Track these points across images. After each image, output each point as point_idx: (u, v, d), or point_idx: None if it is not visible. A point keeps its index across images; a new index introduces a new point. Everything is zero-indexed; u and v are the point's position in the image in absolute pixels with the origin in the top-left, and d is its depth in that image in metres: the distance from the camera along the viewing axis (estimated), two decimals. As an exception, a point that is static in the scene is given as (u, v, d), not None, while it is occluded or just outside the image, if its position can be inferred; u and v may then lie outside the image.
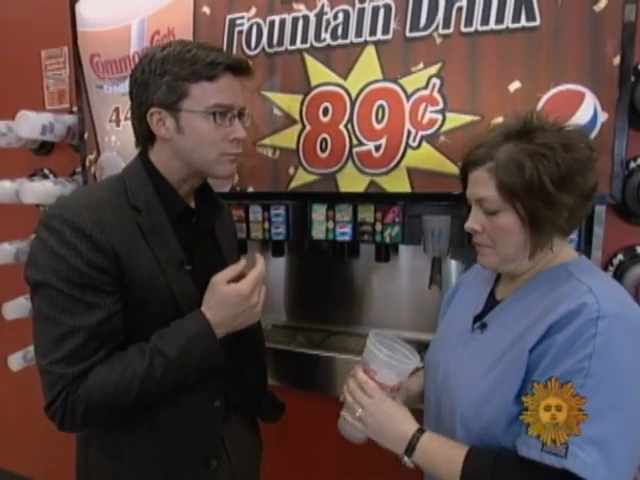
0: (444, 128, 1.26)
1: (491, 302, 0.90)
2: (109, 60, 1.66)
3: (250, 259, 0.93)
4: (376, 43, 1.30)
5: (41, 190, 1.71)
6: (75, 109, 1.81)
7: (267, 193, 1.50)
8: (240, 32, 1.44)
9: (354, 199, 1.41)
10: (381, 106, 1.31)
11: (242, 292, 0.86)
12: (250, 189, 1.52)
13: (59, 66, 1.90)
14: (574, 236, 1.21)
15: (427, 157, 1.29)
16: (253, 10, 1.41)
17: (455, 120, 1.25)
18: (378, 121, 1.32)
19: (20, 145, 1.87)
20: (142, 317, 0.87)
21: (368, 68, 1.31)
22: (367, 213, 1.41)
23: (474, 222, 0.83)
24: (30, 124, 1.67)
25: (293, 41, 1.37)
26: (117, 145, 1.68)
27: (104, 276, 0.81)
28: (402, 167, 1.31)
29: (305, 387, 1.55)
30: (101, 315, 0.81)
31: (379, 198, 1.37)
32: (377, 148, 1.33)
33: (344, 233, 1.45)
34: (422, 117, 1.28)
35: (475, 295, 0.95)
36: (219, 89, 0.89)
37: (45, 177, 1.96)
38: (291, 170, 1.45)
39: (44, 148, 1.95)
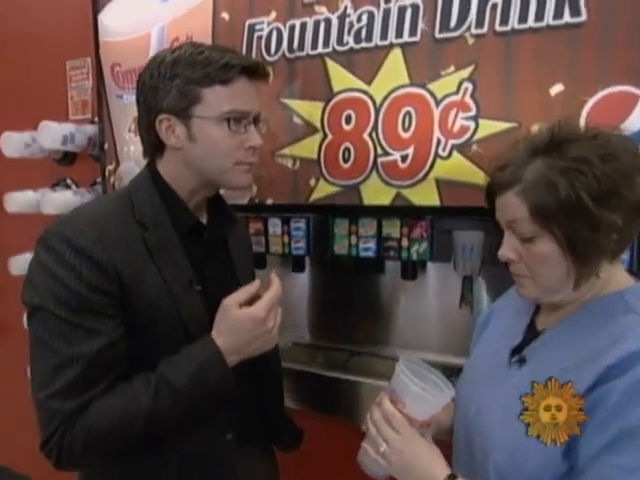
0: (477, 136, 1.16)
1: (531, 333, 0.79)
2: (129, 69, 1.63)
3: (265, 279, 0.86)
4: (402, 45, 1.21)
5: (61, 201, 1.69)
6: (96, 119, 1.79)
7: (287, 206, 1.43)
8: (260, 37, 1.38)
9: (379, 213, 1.32)
10: (408, 113, 1.22)
11: (256, 316, 0.80)
12: (269, 201, 1.45)
13: (83, 77, 1.90)
14: (625, 256, 1.08)
15: (458, 168, 1.19)
16: (273, 14, 1.35)
17: (489, 127, 1.14)
18: (405, 129, 1.23)
19: (44, 156, 1.87)
20: (148, 340, 0.82)
21: (394, 72, 1.22)
22: (393, 228, 1.32)
23: (508, 250, 0.73)
24: (51, 134, 1.66)
25: (314, 45, 1.30)
26: (135, 155, 1.65)
27: (105, 299, 0.76)
28: (431, 178, 1.22)
29: (326, 411, 1.46)
30: (102, 342, 0.75)
31: (405, 212, 1.28)
32: (404, 158, 1.24)
33: (368, 249, 1.35)
34: (453, 124, 1.17)
35: (512, 324, 0.85)
36: (234, 94, 0.83)
37: (67, 187, 1.95)
38: (312, 181, 1.37)
39: (67, 158, 1.95)
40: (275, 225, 1.49)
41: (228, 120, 0.83)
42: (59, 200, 1.69)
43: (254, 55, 1.39)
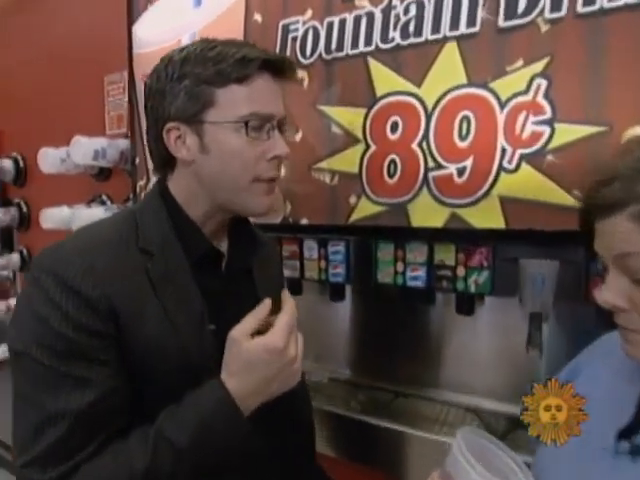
0: (552, 144, 0.94)
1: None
2: (160, 80, 1.54)
3: (276, 299, 0.71)
4: (459, 39, 1.02)
5: (91, 217, 1.62)
6: (129, 134, 1.72)
7: (324, 226, 1.27)
8: (294, 38, 1.23)
9: (430, 236, 1.12)
10: (466, 118, 1.02)
11: (274, 346, 0.65)
12: (304, 221, 1.30)
13: (119, 91, 1.85)
14: None
15: (528, 183, 0.97)
16: (309, 12, 1.20)
17: (568, 133, 0.93)
18: (462, 137, 1.03)
19: (79, 171, 1.83)
20: (150, 391, 0.68)
21: (448, 71, 1.03)
22: (446, 254, 1.11)
23: (615, 294, 0.52)
24: (83, 150, 1.60)
25: (355, 44, 1.14)
26: (166, 171, 1.56)
27: (97, 342, 0.63)
28: (493, 196, 1.01)
29: (365, 462, 1.26)
30: (93, 394, 0.62)
31: (462, 236, 1.08)
32: (460, 172, 1.04)
33: (416, 278, 1.16)
34: (521, 130, 0.97)
35: (615, 393, 0.63)
36: (253, 93, 0.69)
37: (102, 203, 1.90)
38: (352, 199, 1.20)
39: (102, 174, 1.90)
40: (311, 248, 1.33)
41: (246, 125, 0.69)
42: (89, 217, 1.62)
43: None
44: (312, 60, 1.21)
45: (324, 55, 1.19)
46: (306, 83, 1.22)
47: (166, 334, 0.68)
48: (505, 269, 1.07)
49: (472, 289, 1.09)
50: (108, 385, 0.64)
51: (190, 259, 0.73)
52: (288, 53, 1.25)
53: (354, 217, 1.20)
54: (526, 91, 0.96)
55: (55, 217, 1.76)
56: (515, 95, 0.97)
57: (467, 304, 1.15)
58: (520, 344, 1.16)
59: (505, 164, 1.00)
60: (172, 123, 0.71)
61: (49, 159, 1.74)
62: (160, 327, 0.68)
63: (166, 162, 0.75)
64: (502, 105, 0.99)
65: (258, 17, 1.30)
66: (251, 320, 0.66)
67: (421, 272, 1.15)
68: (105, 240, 0.70)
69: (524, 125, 0.97)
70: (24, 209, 2.33)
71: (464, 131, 1.03)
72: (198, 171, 0.73)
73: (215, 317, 0.73)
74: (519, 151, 0.98)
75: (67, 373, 0.62)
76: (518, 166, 0.98)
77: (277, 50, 1.26)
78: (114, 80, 1.87)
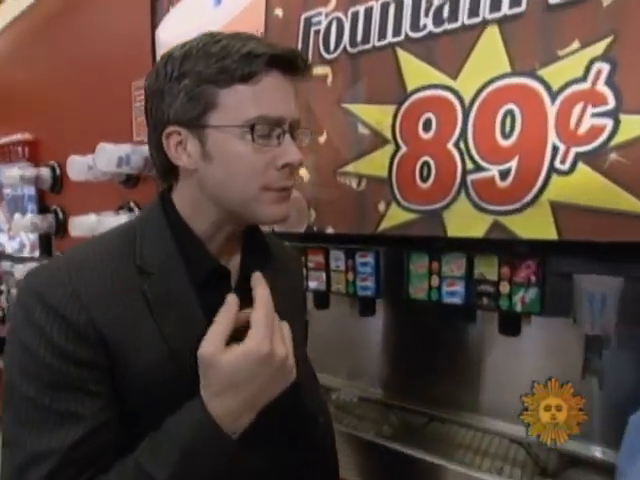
0: (616, 140, 0.80)
1: None
2: (182, 83, 1.49)
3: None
4: (500, 22, 0.89)
5: (114, 225, 1.58)
6: (154, 140, 1.68)
7: (350, 236, 1.16)
8: (317, 32, 1.14)
9: (469, 247, 1.00)
10: (509, 113, 0.89)
11: (258, 352, 0.57)
12: (329, 230, 1.19)
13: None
14: None
15: (585, 186, 0.83)
16: (332, 3, 1.10)
17: (636, 126, 0.78)
18: (505, 135, 0.90)
19: (107, 178, 1.81)
20: (147, 425, 0.60)
21: (489, 59, 0.90)
22: (488, 267, 0.98)
23: None
24: (107, 156, 1.57)
25: (382, 34, 1.03)
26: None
27: (85, 371, 0.57)
28: (543, 202, 0.87)
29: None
30: (81, 431, 0.56)
31: (507, 247, 0.94)
32: (504, 174, 0.91)
33: (454, 293, 1.03)
34: (577, 125, 0.83)
35: None
36: (261, 94, 0.61)
37: (130, 210, 1.87)
38: (381, 206, 1.08)
39: (130, 181, 1.87)
40: (338, 258, 1.23)
41: (252, 130, 0.61)
42: (115, 224, 1.57)
43: (311, 54, 1.15)
44: (336, 55, 1.11)
45: (349, 48, 1.09)
46: (330, 80, 1.12)
47: (163, 361, 0.61)
48: (557, 286, 0.93)
49: (518, 308, 0.95)
50: (99, 419, 0.57)
51: (193, 278, 0.66)
52: (310, 48, 1.15)
53: (383, 226, 1.09)
54: (583, 78, 0.81)
55: (83, 225, 1.75)
56: (569, 83, 0.83)
57: (512, 324, 1.01)
58: (574, 370, 1.01)
59: (557, 165, 0.86)
60: (172, 127, 0.63)
61: (76, 166, 1.72)
62: (156, 354, 0.61)
63: (168, 171, 0.68)
64: (553, 96, 0.85)
65: (279, 12, 1.21)
66: (219, 327, 0.57)
67: (459, 287, 1.03)
68: (98, 258, 0.63)
69: (581, 118, 0.82)
70: (60, 216, 2.35)
71: (508, 127, 0.90)
72: (201, 180, 0.65)
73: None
74: (574, 149, 0.84)
75: (53, 407, 0.56)
76: (573, 167, 0.84)
77: (299, 46, 1.17)
78: (141, 86, 1.84)
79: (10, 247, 2.73)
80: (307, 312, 1.46)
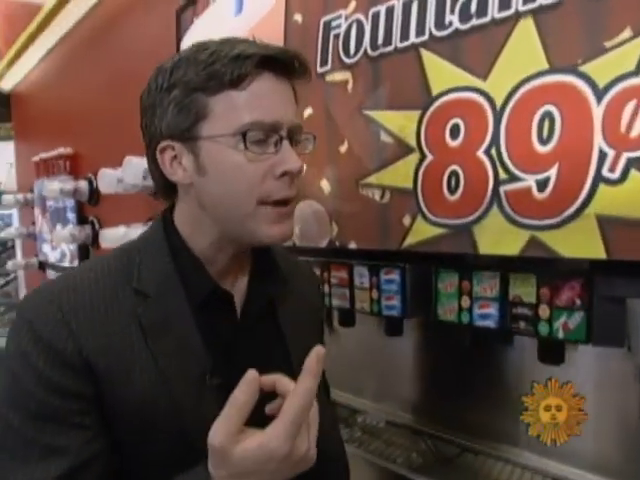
0: (676, 144, 0.69)
1: None
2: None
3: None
4: (535, 13, 0.79)
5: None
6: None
7: (374, 252, 1.09)
8: (336, 36, 1.07)
9: (503, 265, 0.90)
10: (548, 115, 0.79)
11: (277, 450, 0.48)
12: (352, 245, 1.12)
13: (174, 108, 1.81)
14: None
15: (639, 197, 0.72)
16: (352, 5, 1.03)
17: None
18: (543, 140, 0.80)
19: (137, 190, 1.81)
20: (137, 460, 0.58)
21: (523, 56, 0.81)
22: (525, 288, 0.88)
23: None
24: (134, 170, 1.57)
25: (405, 35, 0.95)
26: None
27: (72, 403, 0.54)
28: (588, 215, 0.76)
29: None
30: (64, 466, 0.53)
31: (545, 266, 0.84)
32: (542, 185, 0.81)
33: (486, 316, 0.93)
34: (629, 126, 0.72)
35: None
36: (253, 98, 0.57)
37: (159, 224, 1.87)
38: (406, 220, 1.00)
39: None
40: (362, 275, 1.15)
41: (244, 137, 0.56)
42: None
43: (330, 59, 1.09)
44: (356, 59, 1.04)
45: (370, 52, 1.01)
46: (350, 86, 1.06)
47: (156, 392, 0.57)
48: (607, 310, 0.81)
49: (560, 335, 0.84)
50: (84, 454, 0.54)
51: (192, 301, 0.61)
52: (330, 53, 1.09)
53: (408, 241, 1.01)
54: (636, 72, 0.70)
55: (112, 237, 1.76)
56: (619, 79, 0.72)
57: (554, 352, 0.89)
58: (629, 405, 0.89)
59: (605, 173, 0.75)
60: (165, 142, 0.60)
61: (106, 179, 1.74)
62: (149, 383, 0.57)
63: (167, 188, 0.65)
64: (600, 94, 0.74)
65: (298, 17, 1.16)
66: (233, 411, 0.48)
67: (492, 310, 0.92)
68: (92, 280, 0.61)
69: (633, 119, 0.71)
70: (97, 227, 2.41)
71: (546, 132, 0.79)
72: (198, 196, 0.61)
73: (225, 369, 0.60)
74: (626, 154, 0.73)
75: (37, 439, 0.54)
76: (624, 175, 0.73)
77: (319, 51, 1.11)
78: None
79: (53, 256, 2.83)
80: (328, 329, 1.39)
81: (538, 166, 0.81)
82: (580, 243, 0.78)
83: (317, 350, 0.50)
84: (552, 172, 0.79)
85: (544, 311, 0.86)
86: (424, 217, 0.97)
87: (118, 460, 0.57)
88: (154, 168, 0.64)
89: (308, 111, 1.16)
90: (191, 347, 0.60)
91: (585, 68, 0.75)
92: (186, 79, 0.57)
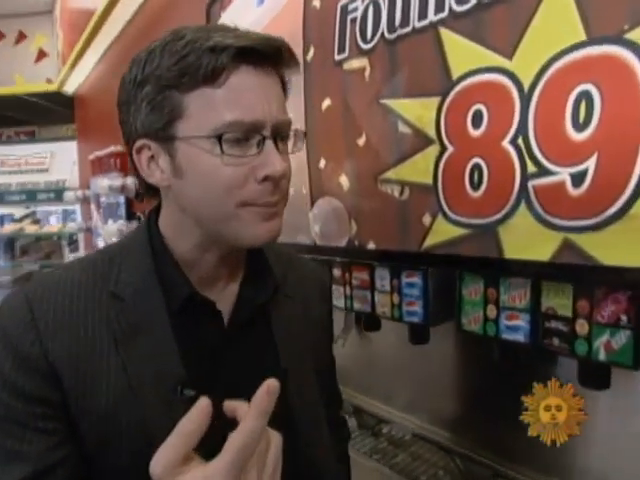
0: None
1: None
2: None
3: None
4: (571, -26, 0.67)
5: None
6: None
7: (392, 253, 1.00)
8: (353, 20, 0.99)
9: (535, 270, 0.78)
10: (585, 95, 0.67)
11: None
12: (370, 245, 1.04)
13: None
14: None
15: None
16: (369, -17, 0.94)
17: None
18: (578, 126, 0.68)
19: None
20: (99, 470, 0.55)
21: (555, 26, 0.69)
22: (560, 299, 0.76)
23: None
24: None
25: (423, 13, 0.85)
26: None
27: (34, 407, 0.53)
28: (635, 215, 0.64)
29: None
30: (23, 473, 0.52)
31: (583, 274, 0.71)
32: (577, 179, 0.69)
33: (515, 328, 0.82)
34: (685, 108, 0.58)
35: None
36: (231, 95, 0.52)
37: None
38: (426, 219, 0.91)
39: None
40: (383, 277, 1.07)
41: (220, 140, 0.52)
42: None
43: (348, 46, 1.00)
44: (373, 43, 0.95)
45: (387, 35, 0.92)
46: (367, 73, 0.97)
47: (123, 403, 0.54)
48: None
49: (601, 356, 0.72)
50: (50, 459, 0.53)
51: (170, 307, 0.58)
52: (347, 39, 1.01)
53: (429, 242, 0.91)
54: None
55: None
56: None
57: (596, 376, 0.76)
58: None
59: (656, 164, 0.62)
60: (140, 141, 0.56)
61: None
62: (116, 392, 0.54)
63: (149, 189, 0.62)
64: (648, 69, 0.61)
65: (317, 2, 1.08)
66: (176, 441, 0.42)
67: (522, 322, 0.81)
68: (70, 281, 0.59)
69: (690, 98, 0.58)
70: (143, 223, 2.48)
71: (582, 116, 0.67)
72: (177, 199, 0.58)
73: (204, 380, 0.57)
74: (682, 142, 0.59)
75: (1, 443, 0.52)
76: (680, 167, 0.60)
77: (336, 38, 1.03)
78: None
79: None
80: (357, 332, 1.32)
81: (573, 157, 0.69)
82: (624, 249, 0.65)
83: (268, 384, 0.44)
84: (590, 164, 0.67)
85: (582, 327, 0.74)
86: (445, 216, 0.87)
87: (86, 468, 0.54)
88: (134, 167, 0.60)
89: (326, 102, 1.09)
90: (165, 355, 0.56)
91: (632, 36, 0.62)
92: (158, 73, 0.52)
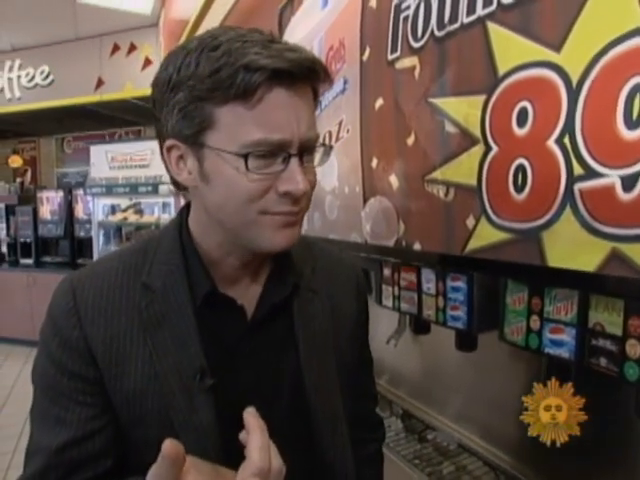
0: None
1: None
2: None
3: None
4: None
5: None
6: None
7: (436, 255, 0.97)
8: (406, 19, 0.98)
9: (584, 281, 0.72)
10: (639, 88, 0.60)
11: None
12: (416, 246, 1.02)
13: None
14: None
15: None
16: (421, -20, 0.93)
17: None
18: (630, 124, 0.61)
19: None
20: (132, 443, 0.61)
21: (608, 14, 0.63)
22: (608, 315, 0.69)
23: None
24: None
25: (472, 8, 0.81)
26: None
27: (76, 383, 0.59)
28: (693, 224, 0.56)
29: None
30: (65, 437, 0.59)
31: (637, 289, 0.64)
32: (629, 182, 0.62)
33: (559, 343, 0.76)
34: None
35: None
36: (261, 115, 0.53)
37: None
38: (470, 221, 0.87)
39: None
40: (429, 280, 1.05)
41: (245, 157, 0.53)
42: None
43: (400, 45, 0.99)
44: (423, 41, 0.93)
45: (436, 32, 0.90)
46: (417, 72, 0.95)
47: (147, 386, 0.59)
48: None
49: (653, 380, 0.64)
50: (84, 429, 0.59)
51: (195, 301, 0.62)
52: (400, 38, 0.99)
53: (472, 245, 0.87)
54: None
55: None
56: None
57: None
58: None
59: None
60: (171, 141, 0.59)
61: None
62: (142, 377, 0.59)
63: (177, 184, 0.65)
64: None
65: (373, 3, 1.08)
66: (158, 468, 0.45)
67: (567, 336, 0.75)
68: (112, 269, 0.64)
69: None
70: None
71: (636, 112, 0.61)
72: (203, 201, 0.60)
73: (224, 371, 0.60)
74: None
75: (49, 409, 0.60)
76: None
77: (389, 38, 1.02)
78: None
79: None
80: (410, 333, 1.30)
81: (624, 158, 0.62)
82: (679, 261, 0.58)
83: (247, 413, 0.49)
84: (642, 166, 0.60)
85: (633, 348, 0.66)
86: (488, 219, 0.83)
87: (121, 441, 0.60)
88: (164, 163, 0.64)
89: (379, 102, 1.09)
90: (187, 346, 0.60)
91: (692, 23, 0.55)
92: (191, 83, 0.53)
